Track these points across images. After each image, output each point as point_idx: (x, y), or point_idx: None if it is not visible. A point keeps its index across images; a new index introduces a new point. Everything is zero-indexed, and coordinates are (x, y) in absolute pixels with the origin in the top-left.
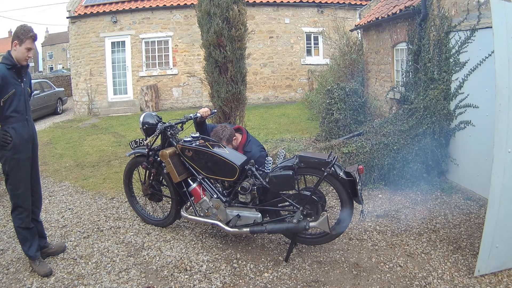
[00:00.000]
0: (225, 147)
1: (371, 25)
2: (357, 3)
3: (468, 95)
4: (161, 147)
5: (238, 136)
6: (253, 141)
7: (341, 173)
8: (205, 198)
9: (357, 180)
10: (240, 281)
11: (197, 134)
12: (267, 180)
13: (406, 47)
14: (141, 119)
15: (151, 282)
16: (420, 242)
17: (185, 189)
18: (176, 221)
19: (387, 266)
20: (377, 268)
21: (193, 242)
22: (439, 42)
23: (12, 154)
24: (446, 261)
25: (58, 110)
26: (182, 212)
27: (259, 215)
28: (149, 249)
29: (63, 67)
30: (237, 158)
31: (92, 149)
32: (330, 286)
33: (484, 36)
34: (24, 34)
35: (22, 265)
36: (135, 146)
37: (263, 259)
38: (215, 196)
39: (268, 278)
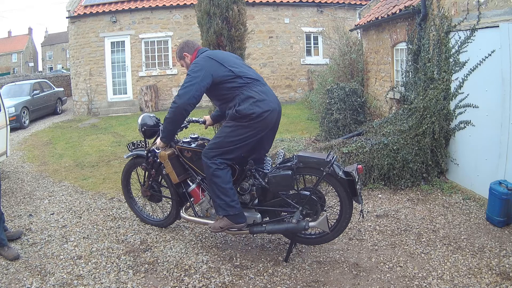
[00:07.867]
0: None
1: (370, 25)
2: (357, 3)
3: (468, 95)
4: None
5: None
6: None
7: (340, 173)
8: (204, 198)
9: (356, 180)
10: (240, 281)
11: (196, 135)
12: (266, 180)
13: (405, 47)
14: (140, 121)
15: (151, 282)
16: (420, 242)
17: (184, 190)
18: (176, 221)
19: (387, 266)
20: (377, 268)
21: (193, 242)
22: (439, 42)
23: None
24: (446, 261)
25: (58, 110)
26: (181, 213)
27: (259, 215)
28: (149, 249)
29: (62, 67)
30: None
31: (91, 149)
32: (330, 286)
33: (484, 36)
34: None
35: (22, 265)
36: (133, 148)
37: (262, 259)
38: None
39: (268, 278)
